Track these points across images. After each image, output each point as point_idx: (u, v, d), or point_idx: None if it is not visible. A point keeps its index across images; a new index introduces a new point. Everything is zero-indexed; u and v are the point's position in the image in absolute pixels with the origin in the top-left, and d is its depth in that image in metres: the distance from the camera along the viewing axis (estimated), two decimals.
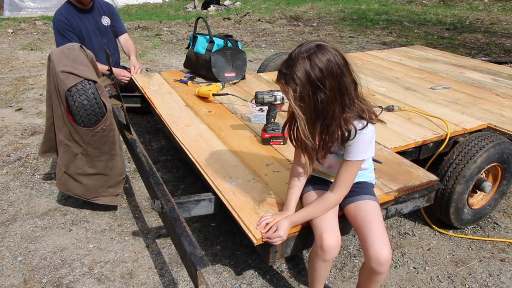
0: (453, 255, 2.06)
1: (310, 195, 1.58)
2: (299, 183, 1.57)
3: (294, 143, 1.48)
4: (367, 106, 1.37)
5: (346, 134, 1.35)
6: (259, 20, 8.95)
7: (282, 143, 2.16)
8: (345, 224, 1.60)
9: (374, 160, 1.67)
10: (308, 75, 1.24)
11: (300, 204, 1.61)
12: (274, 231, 1.44)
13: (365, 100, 1.38)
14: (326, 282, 1.86)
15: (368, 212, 1.49)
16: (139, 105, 3.07)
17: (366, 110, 1.36)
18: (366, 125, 1.35)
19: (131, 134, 2.34)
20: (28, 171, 2.73)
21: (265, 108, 2.24)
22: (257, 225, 1.50)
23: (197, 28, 3.41)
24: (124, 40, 3.49)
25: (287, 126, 1.47)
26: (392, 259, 2.02)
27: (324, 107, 1.29)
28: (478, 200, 2.26)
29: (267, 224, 1.48)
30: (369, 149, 1.41)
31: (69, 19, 3.10)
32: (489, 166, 2.11)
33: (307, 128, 1.32)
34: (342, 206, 1.57)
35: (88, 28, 3.19)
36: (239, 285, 1.83)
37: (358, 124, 1.35)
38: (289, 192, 1.57)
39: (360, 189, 1.55)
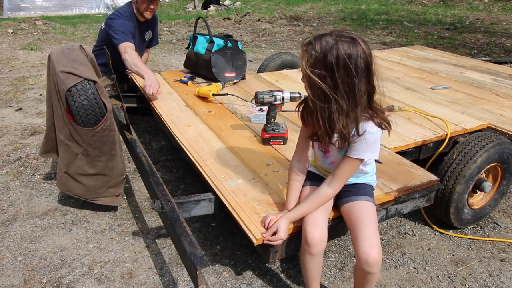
0: (453, 255, 2.06)
1: (306, 190, 1.59)
2: (299, 181, 1.57)
3: (304, 120, 1.49)
4: (379, 117, 1.36)
5: (345, 135, 1.35)
6: (259, 20, 8.95)
7: (282, 143, 2.16)
8: (344, 225, 1.60)
9: (375, 160, 1.67)
10: (324, 55, 1.25)
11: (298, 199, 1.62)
12: (274, 232, 1.44)
13: (378, 110, 1.37)
14: (326, 282, 1.86)
15: (362, 212, 1.49)
16: (138, 105, 3.06)
17: (377, 117, 1.35)
18: (373, 128, 1.35)
19: (131, 134, 2.34)
20: (28, 171, 2.73)
21: (265, 108, 2.24)
22: (263, 226, 1.50)
23: (197, 28, 3.41)
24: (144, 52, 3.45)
25: (301, 105, 1.49)
26: (392, 259, 2.02)
27: (327, 94, 1.28)
28: (478, 200, 2.26)
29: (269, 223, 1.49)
30: (371, 150, 1.39)
31: (132, 22, 3.01)
32: (489, 166, 2.11)
33: (314, 97, 1.32)
34: (338, 206, 1.58)
35: (136, 39, 3.13)
36: (239, 285, 1.83)
37: (364, 124, 1.35)
38: (289, 190, 1.57)
39: (358, 190, 1.56)
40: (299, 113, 1.51)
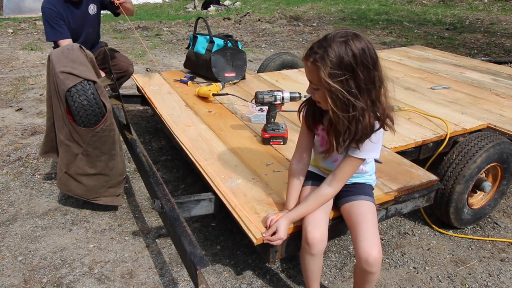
0: (453, 255, 2.06)
1: (306, 190, 1.59)
2: (299, 181, 1.57)
3: (308, 123, 1.49)
4: (388, 109, 1.35)
5: (369, 129, 1.33)
6: (259, 20, 8.95)
7: (282, 143, 2.16)
8: (344, 224, 1.60)
9: (374, 160, 1.68)
10: (341, 59, 1.23)
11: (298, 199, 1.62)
12: (274, 232, 1.45)
13: (387, 102, 1.35)
14: (326, 282, 1.87)
15: (362, 212, 1.49)
16: (138, 105, 3.07)
17: (385, 113, 1.35)
18: (380, 127, 1.35)
19: (131, 134, 2.35)
20: (28, 171, 2.73)
21: (265, 108, 2.25)
22: (265, 226, 1.50)
23: (197, 28, 3.41)
24: None
25: (303, 109, 1.49)
26: (392, 259, 2.02)
27: (352, 96, 1.26)
28: (478, 200, 2.26)
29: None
30: (374, 150, 1.40)
31: (57, 8, 2.98)
32: (489, 166, 2.11)
33: (336, 109, 1.29)
34: (338, 206, 1.58)
35: (76, 20, 3.08)
36: (239, 285, 1.83)
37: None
38: (289, 190, 1.57)
39: (357, 189, 1.56)
40: (301, 114, 1.51)
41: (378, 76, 1.29)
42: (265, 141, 2.16)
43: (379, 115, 1.34)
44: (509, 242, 2.17)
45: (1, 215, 2.27)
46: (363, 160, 1.44)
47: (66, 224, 2.21)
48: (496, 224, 2.31)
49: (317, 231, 1.44)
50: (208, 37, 3.13)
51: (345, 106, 1.28)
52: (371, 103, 1.30)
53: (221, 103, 2.75)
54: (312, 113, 1.47)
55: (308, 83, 1.37)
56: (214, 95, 2.76)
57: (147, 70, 5.11)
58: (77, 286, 1.81)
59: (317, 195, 1.48)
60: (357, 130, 1.32)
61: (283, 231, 1.44)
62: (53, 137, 2.23)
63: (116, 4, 3.09)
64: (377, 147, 1.41)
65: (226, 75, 3.09)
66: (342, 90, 1.25)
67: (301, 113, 1.52)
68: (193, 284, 1.51)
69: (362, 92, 1.27)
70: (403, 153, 2.18)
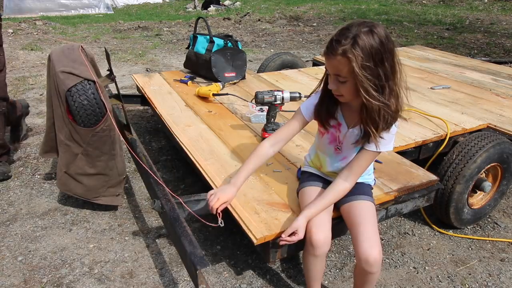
0: (453, 255, 2.06)
1: (308, 190, 1.59)
2: (260, 163, 1.57)
3: (323, 122, 1.49)
4: (401, 97, 1.36)
5: (395, 114, 1.34)
6: (259, 20, 8.95)
7: None
8: (344, 224, 1.60)
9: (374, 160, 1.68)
10: (371, 47, 1.23)
11: (297, 199, 1.63)
12: (292, 234, 1.43)
13: (401, 90, 1.36)
14: (326, 282, 1.87)
15: (361, 212, 1.49)
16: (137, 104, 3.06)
17: (400, 100, 1.35)
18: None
19: (131, 134, 2.35)
20: (28, 171, 2.73)
21: (265, 108, 2.25)
22: (211, 207, 1.50)
23: (197, 28, 3.41)
24: None
25: (322, 107, 1.47)
26: (392, 259, 2.02)
27: (381, 83, 1.28)
28: (478, 200, 2.26)
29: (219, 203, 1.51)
30: (389, 143, 1.43)
31: None
32: (489, 166, 2.12)
33: (373, 93, 1.28)
34: (338, 206, 1.58)
35: None
36: (239, 285, 1.83)
37: None
38: (247, 167, 1.55)
39: (356, 190, 1.55)
40: (316, 110, 1.50)
41: (397, 62, 1.31)
42: None
43: (398, 102, 1.35)
44: (509, 242, 2.17)
45: (1, 215, 2.27)
46: (379, 153, 1.45)
47: (66, 224, 2.21)
48: (496, 224, 2.31)
49: (322, 233, 1.43)
50: (208, 37, 3.13)
51: (375, 93, 1.28)
52: (395, 87, 1.31)
53: (221, 103, 2.75)
54: (326, 109, 1.47)
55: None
56: (214, 95, 2.76)
57: (147, 70, 5.11)
58: (77, 286, 1.81)
59: (334, 191, 1.48)
60: (385, 116, 1.33)
61: (303, 231, 1.43)
62: (53, 136, 2.24)
63: None
64: (393, 139, 1.43)
65: (226, 75, 3.09)
66: (374, 79, 1.26)
67: (315, 110, 1.51)
68: (193, 284, 1.51)
69: (388, 78, 1.29)
70: (403, 153, 2.18)
